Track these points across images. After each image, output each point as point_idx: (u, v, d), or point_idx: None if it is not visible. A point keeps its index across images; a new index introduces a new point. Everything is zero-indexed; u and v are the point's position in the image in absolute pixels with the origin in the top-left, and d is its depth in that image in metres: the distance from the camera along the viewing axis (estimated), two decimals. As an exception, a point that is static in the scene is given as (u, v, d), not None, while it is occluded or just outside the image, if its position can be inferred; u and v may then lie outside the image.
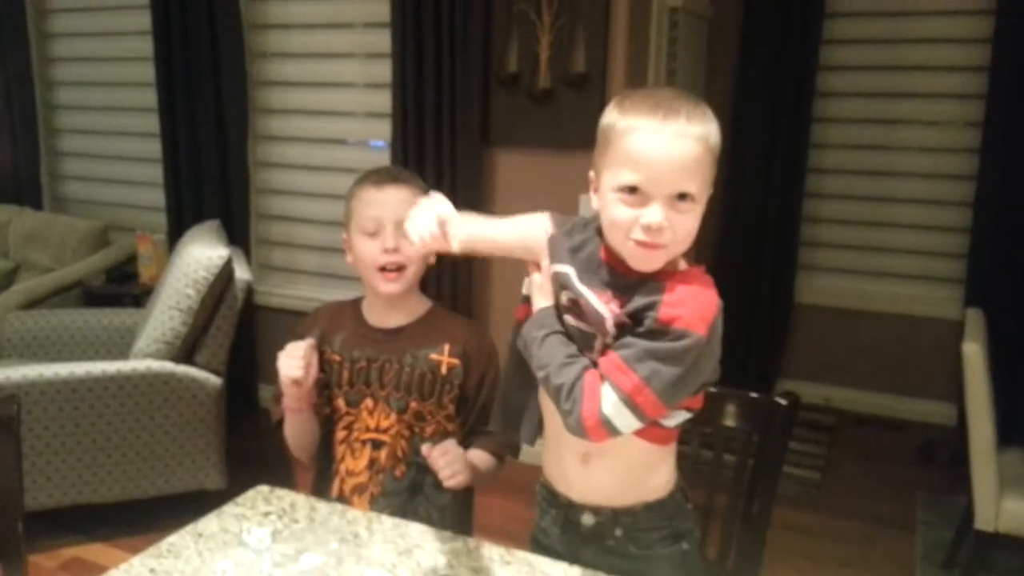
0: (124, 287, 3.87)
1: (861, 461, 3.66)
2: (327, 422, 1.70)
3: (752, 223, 4.13)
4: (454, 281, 3.38)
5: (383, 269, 1.64)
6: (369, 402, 1.65)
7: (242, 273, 3.00)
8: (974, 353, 2.32)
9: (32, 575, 2.16)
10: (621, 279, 1.19)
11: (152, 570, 1.17)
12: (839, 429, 3.98)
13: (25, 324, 3.37)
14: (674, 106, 1.13)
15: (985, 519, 2.37)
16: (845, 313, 4.19)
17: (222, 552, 1.19)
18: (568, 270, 1.22)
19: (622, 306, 1.16)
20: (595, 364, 1.17)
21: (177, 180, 3.91)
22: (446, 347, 1.66)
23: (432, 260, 1.69)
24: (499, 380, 1.54)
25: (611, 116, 1.19)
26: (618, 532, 1.29)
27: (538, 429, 1.34)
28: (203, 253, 2.78)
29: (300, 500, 1.37)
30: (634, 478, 1.28)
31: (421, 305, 1.75)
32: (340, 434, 1.68)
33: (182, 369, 2.76)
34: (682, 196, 1.13)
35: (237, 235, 3.76)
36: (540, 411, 1.33)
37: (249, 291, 3.25)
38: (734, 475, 1.53)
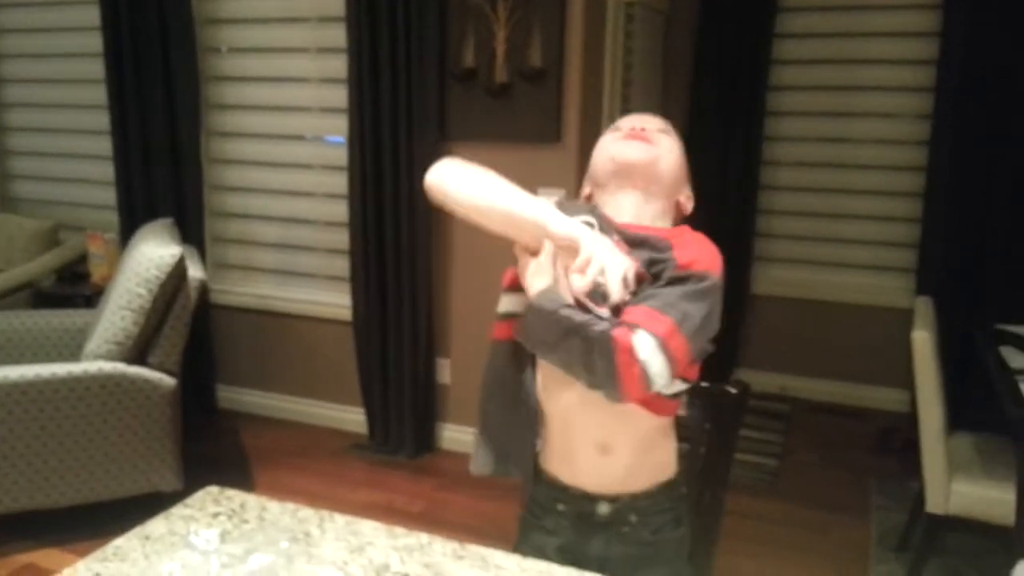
0: (75, 287, 3.79)
1: (817, 448, 3.72)
2: None
3: (708, 215, 4.15)
4: (413, 318, 3.39)
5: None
6: None
7: (195, 272, 2.96)
8: (923, 341, 2.36)
9: (-20, 583, 2.12)
10: (628, 236, 1.26)
11: (97, 574, 1.15)
12: (795, 417, 4.05)
13: (-28, 327, 3.28)
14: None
15: (936, 502, 2.42)
16: (800, 303, 4.26)
17: (169, 554, 1.17)
18: (592, 220, 1.26)
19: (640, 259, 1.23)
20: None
21: (129, 178, 3.84)
22: None
23: None
24: None
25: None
26: (633, 518, 1.32)
27: (529, 453, 1.37)
28: (154, 252, 2.73)
29: (250, 500, 1.35)
30: (649, 460, 1.33)
31: None
32: None
33: (134, 370, 2.71)
34: (660, 131, 1.37)
35: (191, 233, 3.71)
36: (531, 431, 1.35)
37: (203, 290, 3.20)
38: (687, 464, 1.55)
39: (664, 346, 1.14)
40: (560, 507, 1.36)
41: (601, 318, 1.18)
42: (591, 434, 1.29)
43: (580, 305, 1.20)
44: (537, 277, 1.22)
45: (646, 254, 1.23)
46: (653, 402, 1.26)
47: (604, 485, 1.33)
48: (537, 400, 1.34)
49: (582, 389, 1.24)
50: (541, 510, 1.39)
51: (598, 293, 1.18)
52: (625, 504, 1.32)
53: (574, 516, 1.35)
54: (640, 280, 1.21)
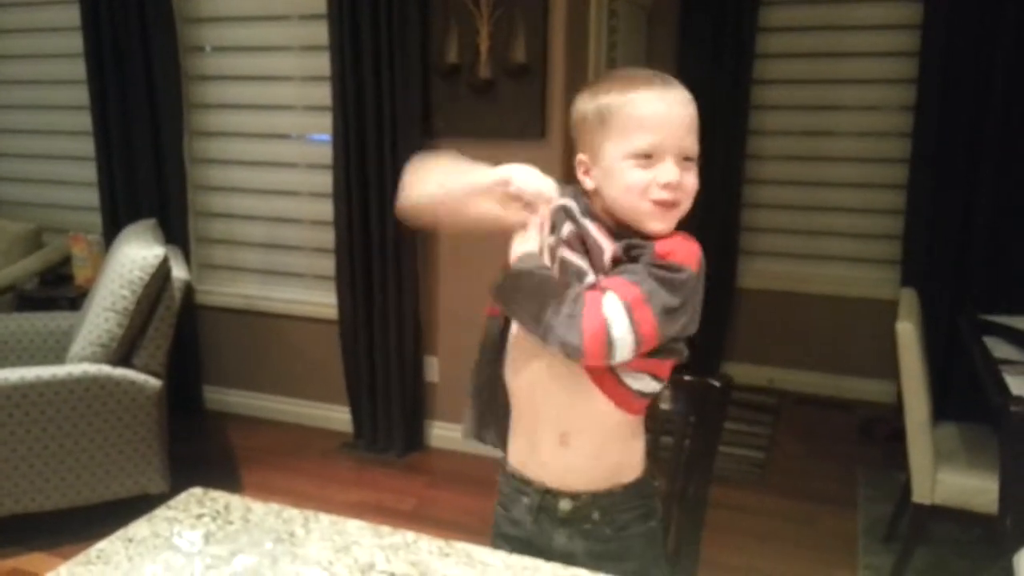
0: (59, 290, 3.77)
1: (804, 440, 3.74)
2: None
3: (693, 209, 4.17)
4: (400, 316, 3.38)
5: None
6: None
7: (180, 272, 2.94)
8: (907, 332, 2.37)
9: (-35, 588, 2.11)
10: (609, 224, 1.27)
11: (80, 578, 1.14)
12: (782, 410, 4.06)
13: (-45, 331, 3.26)
14: (665, 78, 1.26)
15: (922, 492, 2.44)
16: (786, 296, 4.28)
17: (152, 556, 1.16)
18: (572, 204, 1.28)
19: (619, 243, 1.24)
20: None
21: (111, 179, 3.82)
22: None
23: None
24: None
25: (603, 97, 1.25)
26: (595, 515, 1.32)
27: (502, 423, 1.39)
28: (138, 253, 2.72)
29: (235, 501, 1.35)
30: (611, 458, 1.32)
31: None
32: None
33: (119, 372, 2.70)
34: (687, 157, 1.24)
35: (175, 234, 3.69)
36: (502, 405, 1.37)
37: (188, 290, 3.19)
38: (672, 457, 1.55)
39: (629, 311, 1.15)
40: (525, 500, 1.37)
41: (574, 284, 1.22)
42: (553, 420, 1.29)
43: (573, 248, 1.26)
44: (522, 244, 1.25)
45: (626, 240, 1.23)
46: (617, 393, 1.26)
47: (565, 481, 1.32)
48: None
49: (548, 366, 1.26)
50: (509, 501, 1.40)
51: (573, 271, 1.23)
52: (585, 502, 1.32)
53: (537, 510, 1.35)
54: (615, 261, 1.23)
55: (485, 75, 3.15)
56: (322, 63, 3.44)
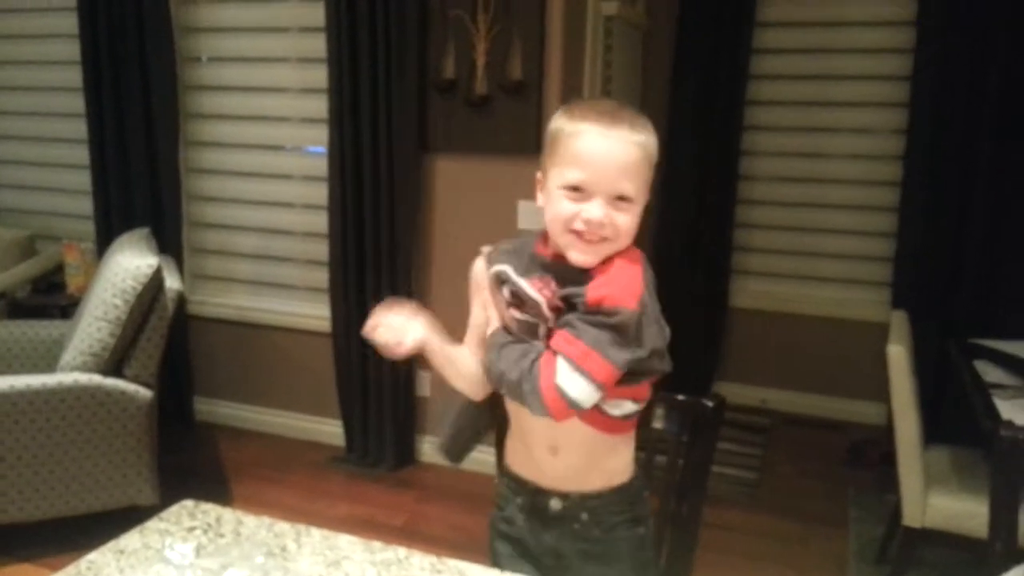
0: (51, 298, 3.75)
1: (796, 461, 3.74)
2: None
3: (686, 229, 4.21)
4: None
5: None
6: None
7: (173, 282, 2.94)
8: (898, 354, 2.38)
9: (-50, 599, 2.09)
10: (554, 267, 1.29)
11: (69, 590, 1.13)
12: (774, 430, 4.06)
13: (-55, 338, 3.24)
14: (619, 115, 1.25)
15: (912, 515, 2.44)
16: (778, 317, 4.28)
17: (143, 569, 1.16)
18: (505, 267, 1.34)
19: (556, 292, 1.27)
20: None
21: (106, 187, 3.81)
22: None
23: None
24: None
25: (560, 121, 1.28)
26: (584, 516, 1.37)
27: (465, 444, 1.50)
28: (131, 262, 2.71)
29: (226, 514, 1.34)
30: (598, 465, 1.37)
31: None
32: None
33: (110, 382, 2.68)
34: (621, 197, 1.24)
35: (169, 243, 3.68)
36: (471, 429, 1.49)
37: (181, 301, 3.18)
38: (665, 477, 1.55)
39: (578, 368, 1.21)
40: (518, 500, 1.43)
41: (532, 348, 1.28)
42: (542, 434, 1.36)
43: (516, 307, 1.32)
44: (489, 328, 1.37)
45: (567, 288, 1.26)
46: (598, 421, 1.31)
47: (556, 482, 1.38)
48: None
49: None
50: (504, 501, 1.46)
51: (526, 328, 1.30)
52: (575, 502, 1.37)
53: (528, 509, 1.41)
54: (557, 310, 1.27)
55: (481, 91, 3.17)
56: (319, 75, 3.45)
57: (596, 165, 1.22)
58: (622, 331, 1.21)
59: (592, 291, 1.22)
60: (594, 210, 1.23)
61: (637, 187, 1.24)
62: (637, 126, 1.25)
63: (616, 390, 1.27)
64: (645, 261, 1.29)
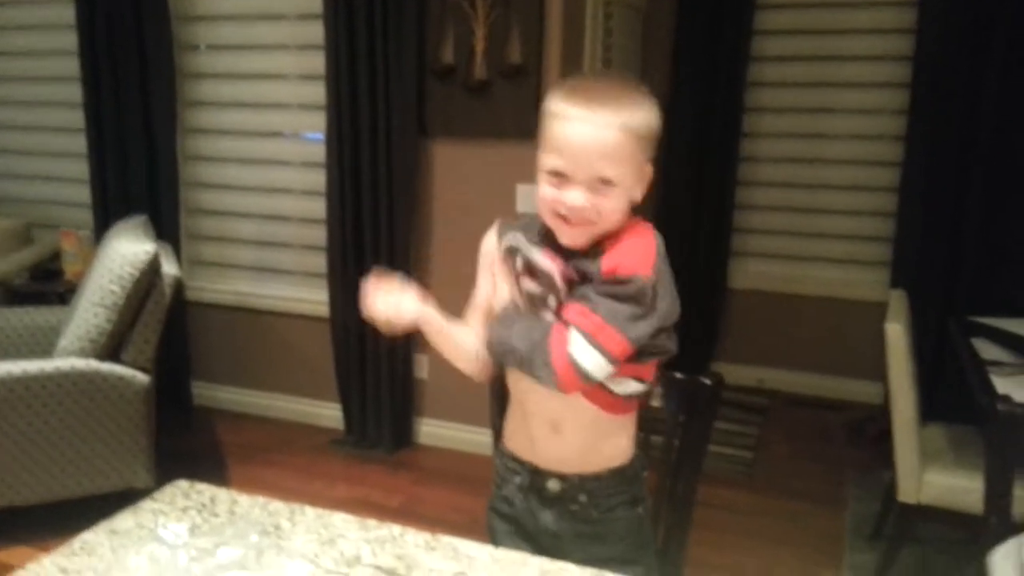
0: (48, 285, 3.75)
1: (793, 440, 3.75)
2: None
3: (686, 210, 4.20)
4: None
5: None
6: None
7: (170, 268, 2.93)
8: (896, 332, 2.38)
9: (-51, 582, 2.10)
10: (557, 246, 1.29)
11: (63, 569, 1.14)
12: (772, 409, 4.07)
13: (-56, 325, 3.24)
14: (608, 95, 1.22)
15: (908, 492, 2.44)
16: (777, 297, 4.29)
17: (136, 548, 1.16)
18: (517, 237, 1.35)
19: (567, 264, 1.27)
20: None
21: (103, 175, 3.80)
22: None
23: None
24: None
25: (551, 101, 1.26)
26: (582, 497, 1.37)
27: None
28: (128, 248, 2.71)
29: (220, 494, 1.34)
30: (598, 446, 1.36)
31: None
32: None
33: (107, 367, 2.69)
34: (604, 181, 1.22)
35: (166, 230, 3.67)
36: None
37: (178, 287, 3.18)
38: (661, 455, 1.55)
39: (592, 340, 1.21)
40: (517, 480, 1.42)
41: (543, 320, 1.28)
42: (544, 411, 1.35)
43: (529, 276, 1.32)
44: (497, 299, 1.37)
45: (580, 261, 1.26)
46: (602, 399, 1.31)
47: (555, 462, 1.38)
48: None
49: None
50: (502, 481, 1.46)
51: (537, 299, 1.30)
52: (573, 484, 1.37)
53: (527, 489, 1.41)
54: (569, 281, 1.27)
55: (480, 75, 3.15)
56: (317, 62, 3.43)
57: (574, 151, 1.21)
58: (638, 300, 1.21)
59: (606, 262, 1.22)
60: (573, 197, 1.22)
61: (621, 170, 1.22)
62: (624, 106, 1.21)
63: (624, 367, 1.27)
64: (657, 235, 1.29)
